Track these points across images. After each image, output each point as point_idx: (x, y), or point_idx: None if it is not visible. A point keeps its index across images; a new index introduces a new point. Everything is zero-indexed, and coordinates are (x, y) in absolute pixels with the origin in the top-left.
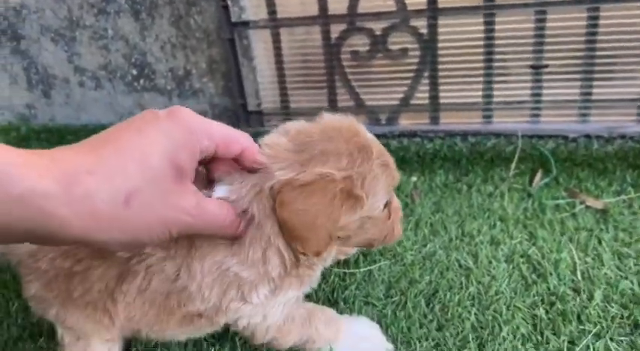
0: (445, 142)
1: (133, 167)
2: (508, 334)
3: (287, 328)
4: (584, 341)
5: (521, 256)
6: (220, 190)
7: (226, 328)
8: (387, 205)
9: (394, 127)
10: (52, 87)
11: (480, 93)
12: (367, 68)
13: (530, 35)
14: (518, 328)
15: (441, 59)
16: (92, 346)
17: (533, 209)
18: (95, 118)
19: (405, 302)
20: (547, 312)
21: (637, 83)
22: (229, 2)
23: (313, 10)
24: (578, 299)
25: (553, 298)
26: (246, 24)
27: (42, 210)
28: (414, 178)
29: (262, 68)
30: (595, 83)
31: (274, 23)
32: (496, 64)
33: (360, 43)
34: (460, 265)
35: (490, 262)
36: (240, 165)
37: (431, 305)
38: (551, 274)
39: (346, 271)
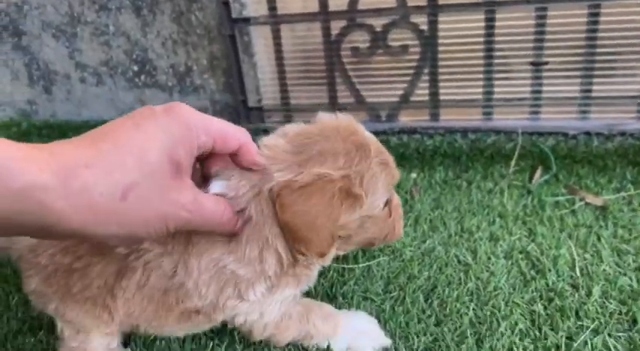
0: (445, 139)
1: (130, 162)
2: (506, 330)
3: (285, 324)
4: (582, 337)
5: (520, 253)
6: (217, 186)
7: (225, 324)
8: (387, 203)
9: (394, 123)
10: (54, 83)
11: (480, 90)
12: (367, 65)
13: (530, 32)
14: (516, 323)
15: (441, 56)
16: (91, 339)
17: (532, 206)
18: (96, 114)
19: (404, 297)
20: (545, 308)
21: (637, 80)
22: None
23: (314, 6)
24: (576, 295)
25: (551, 294)
26: (246, 20)
27: (41, 203)
28: (413, 175)
29: (263, 64)
30: (595, 80)
31: (275, 19)
32: (496, 60)
33: (360, 39)
34: (459, 261)
35: (489, 258)
36: (237, 161)
37: (429, 301)
38: (549, 270)
39: (345, 266)
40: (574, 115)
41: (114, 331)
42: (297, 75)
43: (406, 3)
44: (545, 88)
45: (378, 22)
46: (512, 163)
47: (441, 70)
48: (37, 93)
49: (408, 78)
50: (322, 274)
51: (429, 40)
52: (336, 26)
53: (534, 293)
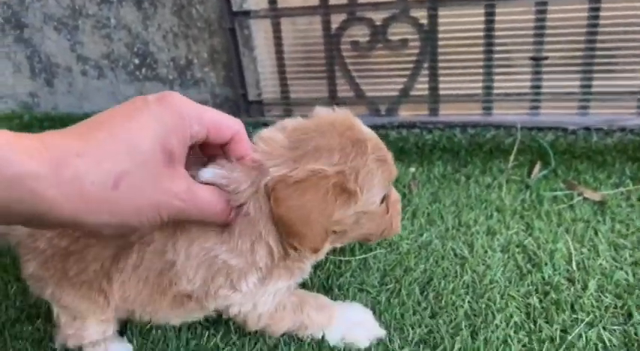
0: (444, 134)
1: (122, 151)
2: (501, 322)
3: (279, 315)
4: (577, 330)
5: (517, 246)
6: (208, 172)
7: (220, 314)
8: (384, 199)
9: (393, 118)
10: (55, 76)
11: (480, 84)
12: (367, 59)
13: (530, 27)
14: (511, 316)
15: (441, 50)
16: (87, 326)
17: (530, 200)
18: (97, 107)
19: (400, 290)
20: (541, 301)
21: (637, 76)
22: None
23: (314, 0)
24: (572, 289)
25: (547, 287)
26: (247, 14)
27: (32, 191)
28: (412, 169)
29: (263, 58)
30: (595, 75)
31: (275, 13)
32: (496, 55)
33: (360, 33)
34: (455, 255)
35: (486, 252)
36: (228, 152)
37: (425, 293)
38: (546, 264)
39: (342, 258)
40: (574, 111)
41: (110, 317)
42: (297, 69)
43: None
44: (544, 83)
45: (378, 16)
46: (511, 157)
47: (440, 64)
48: (39, 85)
49: (407, 72)
50: (318, 265)
51: (429, 35)
52: (336, 20)
53: (530, 287)
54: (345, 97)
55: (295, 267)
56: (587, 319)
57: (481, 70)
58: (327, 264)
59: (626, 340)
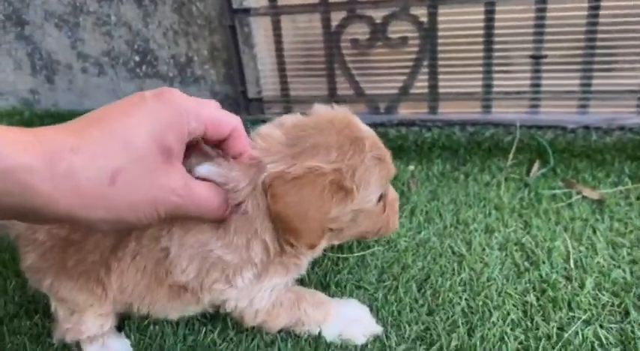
0: (443, 132)
1: (118, 147)
2: (498, 320)
3: (276, 311)
4: (574, 327)
5: (515, 244)
6: (204, 168)
7: (218, 310)
8: (381, 198)
9: (393, 116)
10: (56, 72)
11: (480, 83)
12: (367, 57)
13: (530, 25)
14: (508, 313)
15: (440, 48)
16: (85, 320)
17: (529, 199)
18: (98, 104)
19: (397, 287)
20: (538, 299)
21: (637, 75)
22: None
23: None
24: (569, 287)
25: (544, 285)
26: (247, 11)
27: (26, 185)
28: (411, 167)
29: (263, 56)
30: (595, 74)
31: (275, 10)
32: (496, 53)
33: (360, 31)
34: (453, 252)
35: (483, 250)
36: (227, 148)
37: (422, 290)
38: (544, 262)
39: (339, 255)
40: (573, 109)
41: (107, 311)
42: (297, 66)
43: None
44: (544, 82)
45: (377, 14)
46: (510, 156)
47: (440, 62)
48: (40, 82)
49: (407, 70)
50: (316, 262)
51: (429, 33)
52: (336, 17)
53: (527, 284)
54: (345, 94)
55: (291, 263)
56: (584, 317)
57: (481, 69)
58: (325, 261)
59: (623, 337)
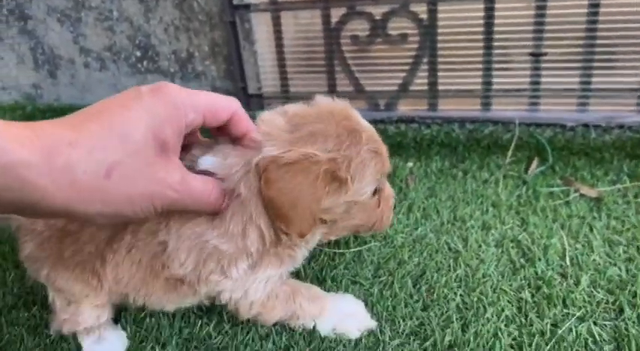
0: (442, 129)
1: (114, 140)
2: (492, 316)
3: (271, 304)
4: (568, 324)
5: (511, 241)
6: (206, 161)
7: (213, 303)
8: (376, 192)
9: (392, 112)
10: (58, 67)
11: (479, 80)
12: (367, 53)
13: (530, 22)
14: (502, 310)
15: (440, 45)
16: (82, 310)
17: (527, 196)
18: (99, 99)
19: (392, 282)
20: (533, 295)
21: (637, 73)
22: None
23: None
24: (564, 284)
25: (540, 282)
26: (247, 7)
27: (24, 180)
28: (410, 164)
29: (263, 52)
30: (595, 72)
31: (275, 6)
32: (495, 51)
33: (359, 27)
34: (449, 248)
35: (480, 246)
36: (229, 131)
37: (418, 286)
38: (539, 259)
39: (336, 251)
40: (572, 107)
41: (104, 302)
42: (297, 63)
43: None
44: (544, 80)
45: (377, 11)
46: (509, 153)
47: (440, 59)
48: (42, 77)
49: (407, 67)
50: (313, 257)
51: (429, 30)
52: (336, 14)
53: (523, 281)
54: (345, 91)
55: (285, 255)
56: (578, 314)
57: (480, 66)
58: (321, 256)
59: (617, 334)
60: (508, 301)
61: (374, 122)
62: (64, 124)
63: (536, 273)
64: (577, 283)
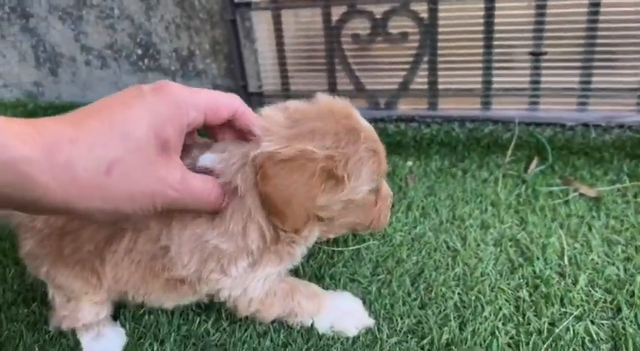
0: (442, 128)
1: (115, 138)
2: (490, 314)
3: (269, 301)
4: (565, 323)
5: (510, 240)
6: (207, 158)
7: (212, 300)
8: (374, 192)
9: (392, 111)
10: (59, 65)
11: (479, 79)
12: (367, 52)
13: (530, 22)
14: (500, 308)
15: (440, 44)
16: (81, 307)
17: (526, 195)
18: (100, 97)
19: (391, 281)
20: (530, 294)
21: (637, 72)
22: None
23: None
24: (562, 283)
25: (538, 281)
26: (248, 5)
27: (25, 176)
28: (409, 163)
29: (264, 50)
30: (595, 72)
31: (276, 5)
32: (496, 50)
33: (360, 26)
34: (448, 247)
35: (478, 245)
36: (234, 127)
37: (416, 284)
38: (538, 258)
39: (335, 249)
40: (572, 107)
41: (103, 299)
42: (298, 61)
43: None
44: (544, 79)
45: (378, 9)
46: (509, 152)
47: (440, 58)
48: (44, 75)
49: (407, 66)
50: (311, 255)
51: (429, 28)
52: (337, 12)
53: (521, 280)
54: (345, 89)
55: (285, 252)
56: (575, 313)
57: (480, 65)
58: (320, 254)
59: (614, 333)
60: (506, 300)
61: (374, 121)
62: (65, 121)
63: (535, 272)
64: (575, 283)
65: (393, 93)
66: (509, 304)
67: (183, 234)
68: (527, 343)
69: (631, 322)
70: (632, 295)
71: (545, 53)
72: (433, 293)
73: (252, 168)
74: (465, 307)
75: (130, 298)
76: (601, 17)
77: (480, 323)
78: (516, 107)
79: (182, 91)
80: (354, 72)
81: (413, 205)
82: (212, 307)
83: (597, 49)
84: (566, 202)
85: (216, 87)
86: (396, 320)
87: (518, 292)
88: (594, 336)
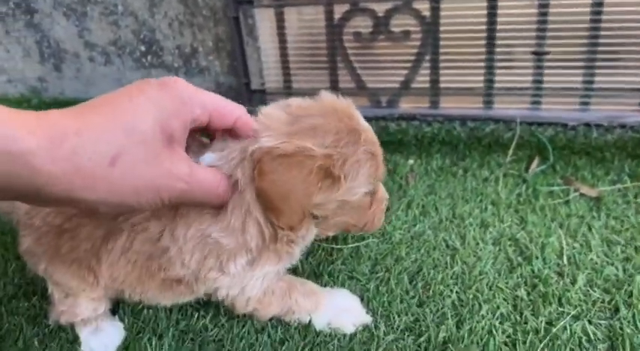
0: (444, 127)
1: (120, 130)
2: (487, 313)
3: (267, 300)
4: (562, 322)
5: (509, 239)
6: (209, 157)
7: (211, 296)
8: (370, 194)
9: (394, 109)
10: (63, 61)
11: (481, 78)
12: (369, 50)
13: (532, 21)
14: (498, 307)
15: (442, 43)
16: (79, 303)
17: (526, 195)
18: (104, 93)
19: (389, 278)
20: (528, 293)
21: None
22: None
23: None
24: (561, 282)
25: (536, 280)
26: (251, 2)
27: (29, 166)
28: (410, 161)
29: (266, 48)
30: (597, 71)
31: (278, 2)
32: (498, 49)
33: (362, 24)
34: (447, 246)
35: (477, 244)
36: (234, 134)
37: (414, 282)
38: (537, 257)
39: (334, 246)
40: (574, 106)
41: (100, 296)
42: (300, 59)
43: None
44: (546, 78)
45: (380, 8)
46: (510, 152)
47: (442, 57)
48: (48, 70)
49: (409, 64)
50: (310, 252)
51: (431, 27)
52: (339, 10)
53: (519, 279)
54: (347, 87)
55: (284, 251)
56: (573, 313)
57: (482, 64)
58: (319, 251)
59: (611, 334)
60: (504, 299)
61: (375, 119)
62: (71, 114)
63: (533, 271)
64: (573, 282)
65: (394, 91)
66: (507, 303)
67: (188, 232)
68: (524, 342)
69: (628, 322)
70: (630, 295)
71: (548, 53)
72: (431, 291)
73: (251, 163)
74: (462, 305)
75: (127, 296)
76: (604, 17)
77: (477, 322)
78: (518, 106)
79: (188, 87)
80: (356, 70)
81: (413, 204)
82: (210, 303)
83: (600, 48)
84: (567, 202)
85: (218, 84)
86: (394, 318)
87: (516, 291)
88: (591, 336)
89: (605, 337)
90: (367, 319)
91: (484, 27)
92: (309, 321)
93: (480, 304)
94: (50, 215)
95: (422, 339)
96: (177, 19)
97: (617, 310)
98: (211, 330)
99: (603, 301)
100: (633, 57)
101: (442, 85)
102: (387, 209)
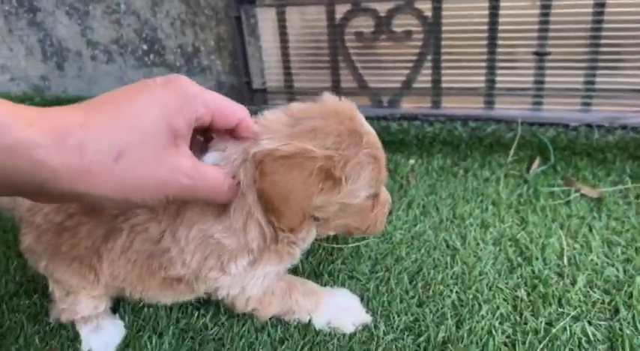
0: (445, 127)
1: (125, 126)
2: (487, 313)
3: (267, 300)
4: (562, 323)
5: (510, 240)
6: (211, 157)
7: (211, 295)
8: (372, 197)
9: (396, 109)
10: (66, 59)
11: (483, 78)
12: (371, 50)
13: (534, 21)
14: (497, 307)
15: (444, 43)
16: (80, 300)
17: (527, 195)
18: (106, 92)
19: (389, 278)
20: (528, 294)
21: None
22: None
23: None
24: (561, 283)
25: (536, 281)
26: (252, 2)
27: (33, 160)
28: (411, 161)
29: (268, 47)
30: (599, 72)
31: (280, 2)
32: (499, 49)
33: (364, 24)
34: (447, 246)
35: (477, 244)
36: (235, 136)
37: (414, 282)
38: (537, 258)
39: (334, 246)
40: (576, 107)
41: (101, 294)
42: (302, 58)
43: None
44: (547, 79)
45: (382, 7)
46: (511, 152)
47: (443, 57)
48: (50, 69)
49: (410, 64)
50: (311, 251)
51: (433, 27)
52: (341, 10)
53: (519, 279)
54: (348, 87)
55: (285, 252)
56: (573, 313)
57: (484, 64)
58: (320, 250)
59: (611, 335)
60: (503, 299)
61: (377, 119)
62: (76, 109)
63: (533, 272)
64: (573, 283)
65: (396, 91)
66: (507, 304)
67: (190, 233)
68: (524, 343)
69: (628, 323)
70: (630, 296)
71: (550, 53)
72: (431, 291)
73: (253, 164)
74: (462, 305)
75: (128, 295)
76: (606, 18)
77: (477, 322)
78: (519, 107)
79: (192, 86)
80: (358, 70)
81: (414, 204)
82: (211, 302)
83: (601, 49)
84: (568, 203)
85: (220, 84)
86: (393, 317)
87: (516, 291)
88: (591, 337)
89: (605, 338)
90: (367, 318)
91: (486, 27)
92: (309, 320)
93: (479, 305)
94: (51, 213)
95: (421, 339)
96: (179, 19)
97: (617, 311)
98: (211, 329)
99: (603, 302)
100: (635, 58)
101: (444, 85)
102: (390, 212)
